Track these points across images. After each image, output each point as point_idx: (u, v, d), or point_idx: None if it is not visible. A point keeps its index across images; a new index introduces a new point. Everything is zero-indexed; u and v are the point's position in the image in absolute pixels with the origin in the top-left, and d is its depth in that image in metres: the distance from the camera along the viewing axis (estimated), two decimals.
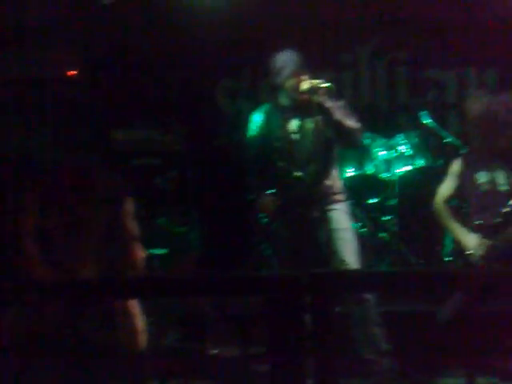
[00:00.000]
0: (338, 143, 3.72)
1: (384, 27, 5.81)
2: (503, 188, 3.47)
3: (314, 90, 3.49)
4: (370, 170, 5.04)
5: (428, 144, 5.13)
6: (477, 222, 3.52)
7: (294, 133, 3.66)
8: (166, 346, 4.09)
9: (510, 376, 3.41)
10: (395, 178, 5.00)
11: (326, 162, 3.69)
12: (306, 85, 3.53)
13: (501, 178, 3.49)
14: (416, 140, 5.05)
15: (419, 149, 5.06)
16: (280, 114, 3.69)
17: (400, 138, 5.06)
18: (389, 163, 5.01)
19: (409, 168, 5.06)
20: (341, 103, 3.62)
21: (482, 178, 3.52)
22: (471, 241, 3.47)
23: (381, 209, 5.14)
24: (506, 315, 3.44)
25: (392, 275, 2.27)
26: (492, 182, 3.50)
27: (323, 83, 3.49)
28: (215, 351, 4.10)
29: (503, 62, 5.71)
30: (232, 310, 4.20)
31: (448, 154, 5.11)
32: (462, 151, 4.93)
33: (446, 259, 4.85)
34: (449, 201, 3.67)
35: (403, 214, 5.07)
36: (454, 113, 5.96)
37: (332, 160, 3.73)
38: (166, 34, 5.66)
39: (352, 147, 4.19)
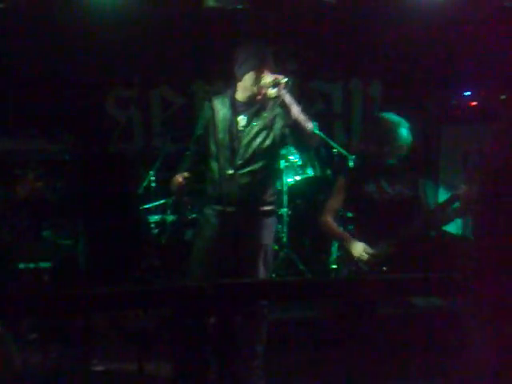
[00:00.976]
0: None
1: (274, 39, 5.92)
2: (390, 194, 3.70)
3: (275, 85, 3.34)
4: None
5: (317, 154, 5.27)
6: (364, 230, 3.68)
7: (240, 129, 3.48)
8: (48, 364, 3.89)
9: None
10: (285, 188, 5.08)
11: (264, 166, 3.50)
12: (268, 78, 3.37)
13: (386, 188, 3.71)
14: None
15: (309, 159, 5.18)
16: (230, 108, 3.51)
17: (290, 149, 5.16)
18: (280, 172, 5.09)
19: (299, 178, 5.16)
20: (298, 106, 3.44)
21: (369, 188, 3.70)
22: (357, 248, 3.63)
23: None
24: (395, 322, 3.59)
25: (295, 284, 2.30)
26: (379, 190, 3.70)
27: (283, 78, 3.36)
28: (101, 368, 3.95)
29: (387, 74, 6.00)
30: (125, 324, 4.09)
31: (336, 164, 5.30)
32: (350, 161, 5.14)
33: (332, 267, 5.02)
34: (335, 214, 3.80)
35: (292, 223, 5.17)
36: (340, 124, 6.19)
37: (271, 166, 3.57)
38: (55, 41, 5.45)
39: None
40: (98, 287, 4.67)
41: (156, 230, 5.10)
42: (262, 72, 3.40)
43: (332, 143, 5.33)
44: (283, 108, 3.39)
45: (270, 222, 3.56)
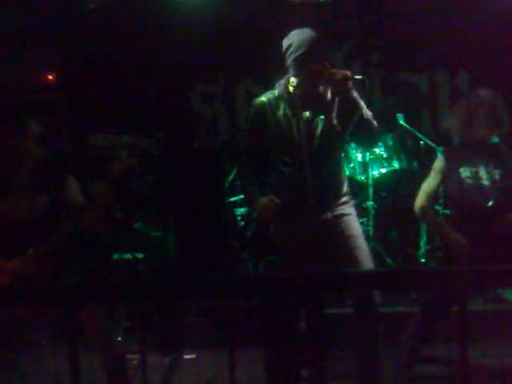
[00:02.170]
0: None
1: (357, 32, 5.88)
2: (486, 183, 3.41)
3: (343, 80, 3.08)
4: (346, 171, 5.06)
5: (403, 146, 5.18)
6: (457, 220, 3.45)
7: (307, 126, 3.22)
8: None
9: None
10: (371, 181, 5.03)
11: (335, 160, 3.32)
12: (337, 74, 3.10)
13: (483, 173, 3.42)
14: (391, 142, 5.10)
15: (395, 151, 5.10)
16: (291, 105, 3.23)
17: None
18: (365, 165, 5.04)
19: (384, 170, 5.10)
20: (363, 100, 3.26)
21: (465, 173, 3.43)
22: (455, 241, 3.37)
23: (356, 211, 5.17)
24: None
25: (387, 274, 2.25)
26: (475, 177, 3.41)
27: (356, 74, 3.12)
28: (193, 356, 4.06)
29: (474, 63, 5.82)
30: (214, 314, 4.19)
31: (423, 156, 5.19)
32: (438, 153, 4.99)
33: (422, 260, 4.93)
34: (433, 198, 3.54)
35: (379, 216, 5.12)
36: (427, 115, 6.06)
37: (341, 158, 3.42)
38: (142, 39, 5.65)
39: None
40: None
41: (242, 223, 5.19)
42: (324, 66, 3.12)
43: (419, 135, 5.23)
44: (351, 106, 3.16)
45: (352, 211, 3.37)
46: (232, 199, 5.27)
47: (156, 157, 5.18)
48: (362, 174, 5.07)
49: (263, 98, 3.29)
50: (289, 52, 3.19)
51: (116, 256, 4.72)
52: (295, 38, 3.17)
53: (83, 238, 3.73)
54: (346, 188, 3.42)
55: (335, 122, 3.26)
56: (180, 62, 5.77)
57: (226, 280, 2.08)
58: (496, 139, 3.46)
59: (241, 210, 5.21)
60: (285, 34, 3.33)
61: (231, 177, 5.28)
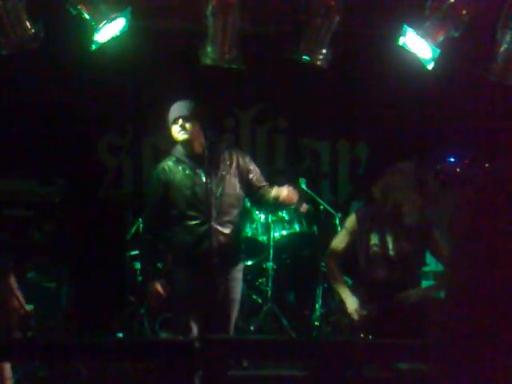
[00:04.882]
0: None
1: (265, 96, 6.08)
2: (391, 253, 3.47)
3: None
4: (248, 232, 5.15)
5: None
6: (360, 284, 3.55)
7: (206, 182, 3.46)
8: None
9: None
10: (272, 242, 5.12)
11: (237, 212, 3.52)
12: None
13: (390, 242, 3.48)
14: (293, 206, 5.23)
15: (296, 214, 5.25)
16: (187, 165, 3.53)
17: None
18: (267, 226, 5.14)
19: (285, 232, 5.22)
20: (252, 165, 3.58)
21: (374, 239, 3.50)
22: (352, 304, 3.47)
23: (256, 271, 5.23)
24: None
25: (280, 343, 2.31)
26: (383, 245, 3.48)
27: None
28: None
29: (373, 135, 6.16)
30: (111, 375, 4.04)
31: (322, 221, 5.37)
32: (336, 219, 5.18)
33: (316, 323, 5.03)
34: (340, 256, 3.62)
35: (277, 277, 5.19)
36: (327, 182, 6.30)
37: (238, 217, 3.56)
38: (48, 85, 5.54)
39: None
40: (81, 333, 4.65)
41: (140, 278, 5.09)
42: (177, 125, 3.51)
43: (319, 200, 5.42)
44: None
45: (240, 274, 3.56)
46: (133, 252, 5.17)
47: (56, 204, 5.03)
48: (263, 234, 5.17)
49: (163, 164, 3.58)
50: (168, 122, 3.60)
51: None
52: (170, 110, 3.60)
53: None
54: (239, 249, 3.57)
55: (234, 180, 3.49)
56: (89, 111, 5.70)
57: (124, 343, 2.03)
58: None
59: None
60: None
61: (133, 230, 5.20)
